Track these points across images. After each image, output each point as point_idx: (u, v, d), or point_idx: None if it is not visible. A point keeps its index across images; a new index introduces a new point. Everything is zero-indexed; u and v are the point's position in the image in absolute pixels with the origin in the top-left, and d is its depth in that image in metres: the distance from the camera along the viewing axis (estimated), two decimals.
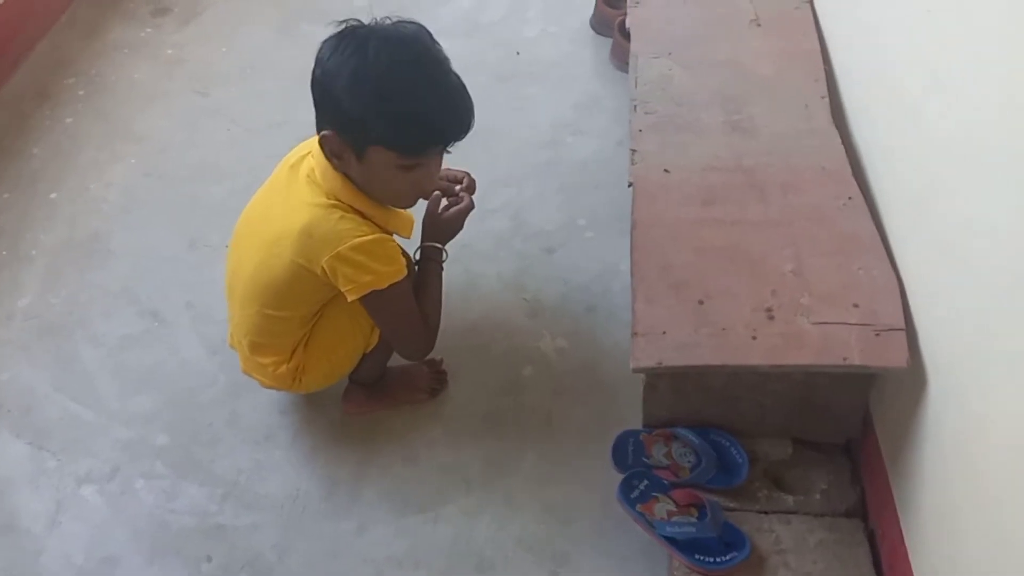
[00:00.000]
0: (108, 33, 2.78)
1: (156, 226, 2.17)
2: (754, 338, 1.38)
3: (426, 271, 1.61)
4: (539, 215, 2.16)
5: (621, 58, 2.45)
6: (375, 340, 1.64)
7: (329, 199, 1.42)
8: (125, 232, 2.16)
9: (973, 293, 1.17)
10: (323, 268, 1.41)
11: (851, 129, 1.72)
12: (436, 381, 1.81)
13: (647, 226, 1.56)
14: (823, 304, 1.40)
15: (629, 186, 1.65)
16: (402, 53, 1.31)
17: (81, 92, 2.56)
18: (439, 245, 1.61)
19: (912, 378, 1.35)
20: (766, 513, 1.52)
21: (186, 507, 1.66)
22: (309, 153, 1.48)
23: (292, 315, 1.54)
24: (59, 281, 2.05)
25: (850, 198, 1.55)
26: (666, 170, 1.66)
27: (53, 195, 2.25)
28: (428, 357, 1.74)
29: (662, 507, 1.51)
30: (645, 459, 1.59)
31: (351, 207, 1.43)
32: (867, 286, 1.42)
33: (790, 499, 1.53)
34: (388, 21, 1.36)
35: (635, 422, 1.62)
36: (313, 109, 1.39)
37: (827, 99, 1.76)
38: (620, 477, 1.56)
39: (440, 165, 1.47)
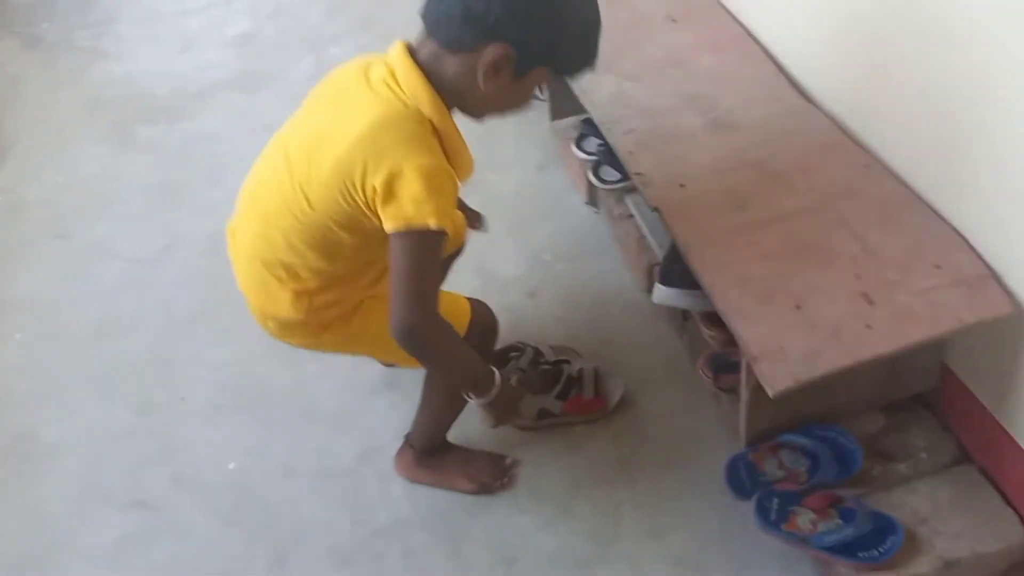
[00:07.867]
0: None
1: (89, 403, 1.82)
2: (869, 327, 1.36)
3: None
4: (502, 262, 2.05)
5: None
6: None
7: (410, 105, 1.23)
8: (56, 422, 1.79)
9: None
10: (385, 174, 1.19)
11: (817, 100, 1.74)
12: (495, 476, 1.65)
13: (698, 245, 1.50)
14: (909, 274, 1.41)
15: (654, 210, 1.58)
16: None
17: None
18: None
19: None
20: (888, 490, 1.52)
21: None
22: (369, 64, 1.29)
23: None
24: (5, 510, 1.66)
25: (866, 165, 1.58)
26: (681, 184, 1.61)
27: None
28: (496, 454, 1.67)
29: (805, 519, 1.46)
30: (761, 477, 1.54)
31: (430, 121, 1.24)
32: (933, 244, 1.44)
33: (902, 467, 1.54)
34: None
35: (687, 450, 1.60)
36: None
37: (782, 76, 1.78)
38: (737, 505, 1.51)
39: None
